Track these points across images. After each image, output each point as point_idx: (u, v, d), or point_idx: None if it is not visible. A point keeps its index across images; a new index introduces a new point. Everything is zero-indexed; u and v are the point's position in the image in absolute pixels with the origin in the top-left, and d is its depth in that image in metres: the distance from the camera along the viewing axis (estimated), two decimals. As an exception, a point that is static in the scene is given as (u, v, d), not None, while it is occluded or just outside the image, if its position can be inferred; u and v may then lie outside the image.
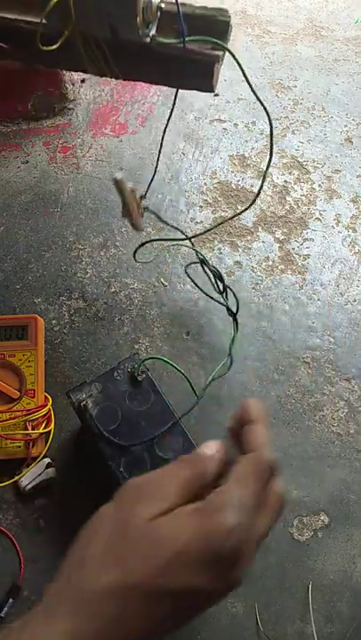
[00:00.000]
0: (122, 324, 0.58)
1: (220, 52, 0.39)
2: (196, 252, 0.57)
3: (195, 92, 0.44)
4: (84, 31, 0.37)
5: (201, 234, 0.58)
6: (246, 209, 0.50)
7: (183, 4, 0.38)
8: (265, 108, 0.42)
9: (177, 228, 0.58)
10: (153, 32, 0.37)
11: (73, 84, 0.71)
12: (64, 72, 0.69)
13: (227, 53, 0.39)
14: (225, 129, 0.71)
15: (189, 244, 0.59)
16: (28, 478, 0.49)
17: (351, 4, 0.86)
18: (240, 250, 0.63)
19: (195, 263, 0.57)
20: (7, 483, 0.49)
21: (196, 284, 0.57)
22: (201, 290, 0.57)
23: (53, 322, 0.58)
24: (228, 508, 0.28)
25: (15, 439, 0.50)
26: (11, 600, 0.46)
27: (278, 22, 0.83)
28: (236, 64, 0.39)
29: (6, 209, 0.65)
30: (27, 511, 0.50)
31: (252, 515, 0.29)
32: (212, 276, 0.56)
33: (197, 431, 0.52)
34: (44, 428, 0.51)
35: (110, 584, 0.27)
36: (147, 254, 0.61)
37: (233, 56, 0.38)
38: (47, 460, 0.50)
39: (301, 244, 0.64)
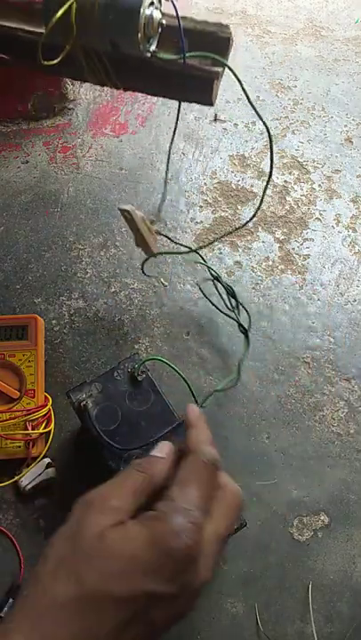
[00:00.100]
0: (122, 324, 0.58)
1: (220, 69, 0.39)
2: (209, 268, 0.58)
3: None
4: (85, 45, 0.37)
5: (208, 245, 0.58)
6: (251, 219, 0.50)
7: (184, 18, 0.38)
8: (264, 123, 0.43)
9: (187, 247, 0.59)
10: (153, 47, 0.38)
11: (73, 84, 0.71)
12: (64, 72, 0.69)
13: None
14: (225, 129, 0.71)
15: (202, 261, 0.59)
16: (28, 478, 0.49)
17: (351, 3, 0.86)
18: (240, 250, 0.63)
19: (208, 280, 0.58)
20: (7, 483, 0.49)
21: (210, 299, 0.58)
22: (214, 304, 0.58)
23: (53, 322, 0.58)
24: (172, 512, 0.29)
25: (15, 439, 0.50)
26: (11, 600, 0.46)
27: (278, 22, 0.83)
28: (236, 80, 0.39)
29: (6, 209, 0.65)
30: (27, 511, 0.50)
31: (201, 514, 0.30)
32: (224, 292, 0.57)
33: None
34: (44, 427, 0.51)
35: (64, 598, 0.27)
36: (152, 266, 0.61)
37: (233, 73, 0.39)
38: (47, 460, 0.50)
39: (301, 244, 0.64)
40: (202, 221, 0.65)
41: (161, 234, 0.56)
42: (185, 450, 0.34)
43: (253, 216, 0.50)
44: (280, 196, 0.67)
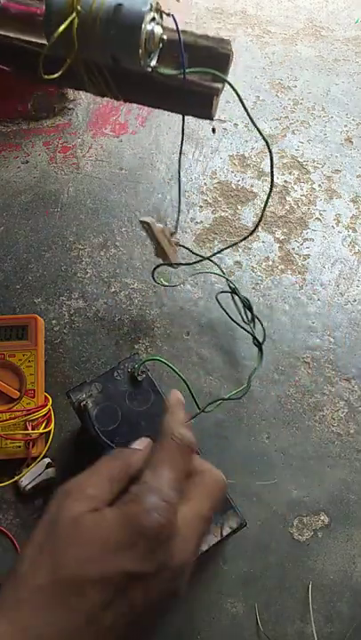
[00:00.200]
0: (122, 324, 0.58)
1: (220, 85, 0.39)
2: (228, 280, 0.58)
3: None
4: (86, 59, 0.37)
5: (218, 252, 0.59)
6: (254, 229, 0.50)
7: (184, 32, 0.38)
8: (264, 138, 0.43)
9: (203, 257, 0.59)
10: (154, 62, 0.38)
11: (73, 84, 0.71)
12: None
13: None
14: (225, 129, 0.71)
15: (220, 273, 0.60)
16: (27, 478, 0.49)
17: (351, 3, 0.86)
18: (240, 250, 0.63)
19: (225, 292, 0.58)
20: (7, 483, 0.49)
21: (226, 312, 0.58)
22: (231, 317, 0.58)
23: (53, 322, 0.58)
24: (144, 492, 0.30)
25: (15, 439, 0.50)
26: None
27: (278, 22, 0.83)
28: (235, 93, 0.40)
29: (6, 209, 0.65)
30: (27, 511, 0.50)
31: (174, 493, 0.30)
32: (241, 305, 0.57)
33: (195, 428, 0.52)
34: (44, 427, 0.51)
35: (42, 583, 0.28)
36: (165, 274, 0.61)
37: (233, 89, 0.39)
38: (47, 460, 0.50)
39: (301, 244, 0.64)
40: (202, 221, 0.65)
41: (181, 245, 0.57)
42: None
43: (259, 222, 0.50)
44: (280, 196, 0.67)
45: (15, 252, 0.62)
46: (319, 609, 0.47)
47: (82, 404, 0.46)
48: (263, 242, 0.64)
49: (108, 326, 0.58)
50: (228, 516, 0.42)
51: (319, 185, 0.68)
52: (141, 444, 0.36)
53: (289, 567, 0.48)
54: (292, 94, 0.76)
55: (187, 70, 0.38)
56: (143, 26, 0.35)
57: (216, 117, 0.42)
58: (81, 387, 0.48)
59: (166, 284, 0.61)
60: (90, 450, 0.46)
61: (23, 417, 0.50)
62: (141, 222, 0.47)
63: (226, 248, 0.56)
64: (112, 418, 0.46)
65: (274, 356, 0.57)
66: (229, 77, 0.39)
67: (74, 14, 0.35)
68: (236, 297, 0.58)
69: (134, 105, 0.73)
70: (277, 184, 0.68)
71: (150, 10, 0.35)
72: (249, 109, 0.40)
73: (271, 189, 0.46)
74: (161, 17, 0.37)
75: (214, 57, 0.39)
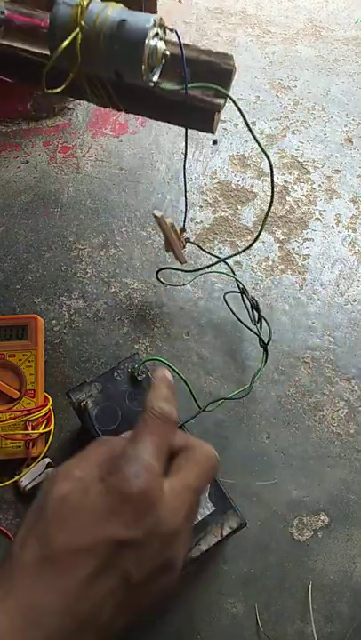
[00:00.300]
0: (122, 324, 0.58)
1: (222, 101, 0.40)
2: (237, 280, 0.58)
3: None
4: (89, 72, 0.37)
5: (234, 255, 0.59)
6: (258, 236, 0.50)
7: (187, 47, 0.38)
8: (267, 156, 0.43)
9: (214, 255, 0.60)
10: (156, 77, 0.38)
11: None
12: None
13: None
14: (225, 129, 0.71)
15: (229, 273, 0.60)
16: (27, 478, 0.49)
17: (351, 3, 0.86)
18: (240, 250, 0.63)
19: (234, 292, 0.58)
20: (7, 483, 0.49)
21: (233, 311, 0.58)
22: (238, 318, 0.58)
23: (53, 322, 0.58)
24: (124, 462, 0.31)
25: (15, 439, 0.50)
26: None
27: (278, 22, 0.83)
28: (236, 108, 0.40)
29: (6, 209, 0.65)
30: (27, 511, 0.50)
31: (155, 460, 0.31)
32: (249, 305, 0.57)
33: (195, 428, 0.52)
34: (44, 427, 0.51)
35: (32, 560, 0.29)
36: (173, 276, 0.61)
37: (236, 105, 0.40)
38: (47, 460, 0.50)
39: (301, 244, 0.64)
40: (202, 221, 0.65)
41: (191, 242, 0.57)
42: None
43: (261, 230, 0.50)
44: (280, 196, 0.67)
45: (15, 252, 0.62)
46: (319, 609, 0.47)
47: (82, 404, 0.46)
48: (263, 242, 0.64)
49: (108, 326, 0.58)
50: (228, 515, 0.42)
51: (319, 185, 0.68)
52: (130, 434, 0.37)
53: (289, 567, 0.48)
54: (292, 94, 0.76)
55: (189, 85, 0.38)
56: (146, 42, 0.35)
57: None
58: (81, 387, 0.48)
59: (166, 284, 0.61)
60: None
61: (23, 417, 0.50)
62: (153, 215, 0.48)
63: (240, 252, 0.56)
64: (112, 418, 0.46)
65: (274, 356, 0.57)
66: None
67: (78, 29, 0.35)
68: (244, 297, 0.58)
69: (134, 105, 0.73)
70: (277, 184, 0.68)
71: (154, 26, 0.35)
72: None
73: (271, 202, 0.46)
74: (164, 32, 0.37)
75: (217, 72, 0.39)
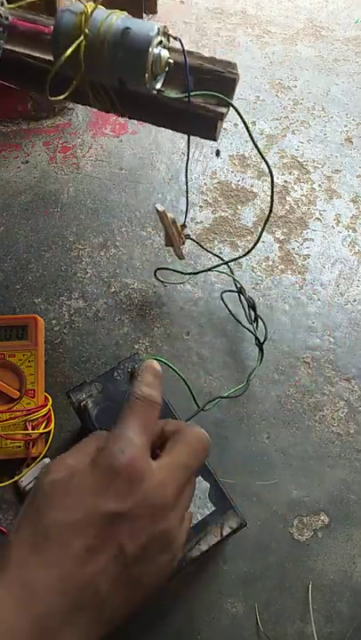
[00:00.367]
0: (122, 324, 0.58)
1: (225, 109, 0.40)
2: (235, 280, 0.58)
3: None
4: (92, 79, 0.37)
5: (236, 259, 0.59)
6: (259, 238, 0.51)
7: (191, 54, 0.39)
8: (268, 166, 0.43)
9: (217, 255, 0.60)
10: (159, 85, 0.38)
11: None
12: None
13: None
14: (225, 129, 0.71)
15: (228, 272, 0.60)
16: (27, 478, 0.49)
17: (351, 4, 0.86)
18: (240, 250, 0.63)
19: (232, 291, 0.59)
20: (7, 483, 0.49)
21: (230, 311, 0.59)
22: (234, 317, 0.58)
23: (53, 322, 0.58)
24: (109, 440, 0.32)
25: (15, 439, 0.50)
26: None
27: (278, 22, 0.83)
28: (239, 117, 0.40)
29: (6, 209, 0.65)
30: (27, 511, 0.50)
31: (139, 436, 0.33)
32: (246, 305, 0.57)
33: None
34: (44, 428, 0.51)
35: (25, 541, 0.29)
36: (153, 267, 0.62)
37: (239, 114, 0.40)
38: (47, 460, 0.50)
39: (301, 244, 0.64)
40: (202, 221, 0.65)
41: (190, 238, 0.57)
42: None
43: (262, 232, 0.50)
44: (280, 196, 0.67)
45: (15, 252, 0.62)
46: (319, 609, 0.47)
47: (82, 404, 0.46)
48: (263, 242, 0.64)
49: (108, 326, 0.58)
50: (228, 515, 0.42)
51: (319, 185, 0.68)
52: None
53: (289, 567, 0.48)
54: (292, 94, 0.76)
55: (192, 93, 0.38)
56: (150, 50, 0.35)
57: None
58: (81, 387, 0.48)
59: (166, 284, 0.61)
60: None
61: (23, 417, 0.50)
62: (155, 209, 0.48)
63: (242, 256, 0.56)
64: (112, 418, 0.46)
65: (274, 356, 0.57)
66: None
67: (82, 37, 0.35)
68: (241, 296, 0.58)
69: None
70: (277, 184, 0.68)
71: (158, 34, 0.35)
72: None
73: (271, 208, 0.46)
74: (168, 40, 0.37)
75: (220, 80, 0.39)
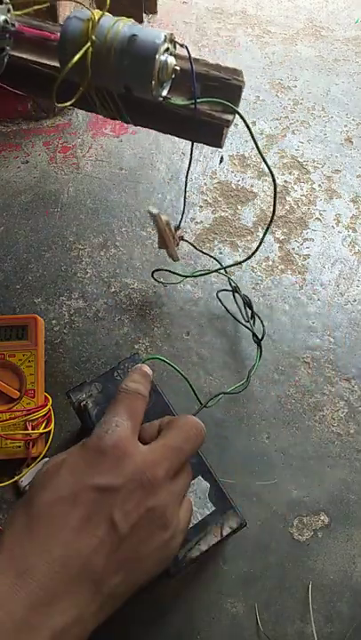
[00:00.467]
0: (122, 324, 0.58)
1: (231, 117, 0.40)
2: (230, 279, 0.58)
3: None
4: (98, 86, 0.38)
5: (234, 264, 0.59)
6: (263, 239, 0.51)
7: (196, 60, 0.39)
8: (271, 173, 0.43)
9: (213, 257, 0.60)
10: (165, 92, 0.38)
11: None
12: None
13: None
14: (225, 129, 0.71)
15: (222, 272, 0.60)
16: (28, 478, 0.49)
17: (351, 3, 0.86)
18: (240, 250, 0.63)
19: (227, 290, 0.59)
20: (7, 483, 0.49)
21: (226, 308, 0.59)
22: (232, 315, 0.59)
23: (53, 322, 0.58)
24: (96, 426, 0.35)
25: (15, 439, 0.50)
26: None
27: (278, 22, 0.83)
28: (245, 125, 0.41)
29: (6, 209, 0.65)
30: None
31: (123, 420, 0.34)
32: (242, 303, 0.58)
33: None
34: (44, 427, 0.51)
35: (19, 522, 0.30)
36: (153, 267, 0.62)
37: (244, 121, 0.40)
38: (47, 460, 0.50)
39: (301, 244, 0.64)
40: (202, 221, 0.65)
41: (186, 240, 0.57)
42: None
43: (264, 236, 0.50)
44: (280, 196, 0.67)
45: (15, 252, 0.62)
46: (319, 609, 0.47)
47: (82, 404, 0.46)
48: (263, 242, 0.64)
49: (108, 326, 0.58)
50: (228, 515, 0.42)
51: (319, 185, 0.68)
52: None
53: (289, 567, 0.48)
54: (292, 94, 0.76)
55: (198, 100, 0.38)
56: (157, 57, 0.35)
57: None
58: (81, 387, 0.47)
59: (166, 284, 0.61)
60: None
61: (23, 417, 0.50)
62: (148, 212, 0.48)
63: (243, 261, 0.56)
64: (112, 418, 0.46)
65: (274, 356, 0.57)
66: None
67: (89, 44, 0.35)
68: (236, 295, 0.58)
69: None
70: (278, 184, 0.68)
71: (164, 41, 0.35)
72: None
73: (274, 213, 0.46)
74: (174, 47, 0.37)
75: (226, 87, 0.40)
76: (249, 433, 0.53)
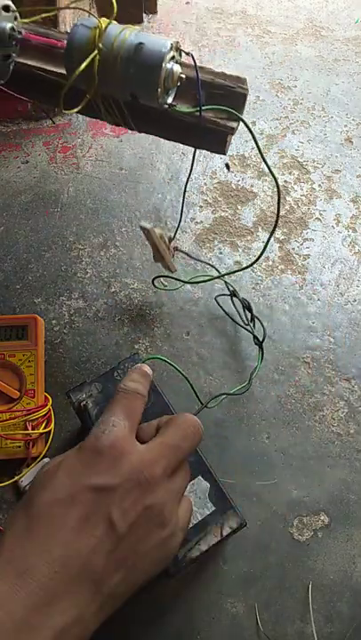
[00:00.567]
0: (122, 324, 0.58)
1: (235, 124, 0.40)
2: (226, 283, 0.58)
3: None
4: (104, 93, 0.38)
5: (234, 272, 0.59)
6: (267, 243, 0.50)
7: (202, 68, 0.39)
8: (275, 178, 0.44)
9: (210, 265, 0.60)
10: (170, 100, 0.38)
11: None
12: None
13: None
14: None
15: (220, 277, 0.60)
16: (27, 478, 0.49)
17: (351, 3, 0.86)
18: (240, 250, 0.63)
19: (224, 295, 0.59)
20: (7, 483, 0.49)
21: (226, 311, 0.59)
22: (232, 319, 0.58)
23: (53, 322, 0.58)
24: (94, 427, 0.34)
25: (15, 439, 0.50)
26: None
27: (278, 22, 0.83)
28: (249, 132, 0.41)
29: (6, 209, 0.65)
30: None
31: (120, 420, 0.34)
32: (241, 306, 0.58)
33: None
34: (44, 427, 0.51)
35: (18, 521, 0.30)
36: (168, 280, 0.62)
37: (249, 129, 0.40)
38: (47, 460, 0.50)
39: (301, 244, 0.64)
40: (202, 221, 0.65)
41: (180, 250, 0.57)
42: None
43: (270, 237, 0.50)
44: (280, 195, 0.67)
45: (15, 252, 0.62)
46: (319, 609, 0.47)
47: (82, 404, 0.46)
48: (263, 242, 0.64)
49: (108, 326, 0.58)
50: (228, 515, 0.42)
51: (319, 185, 0.68)
52: None
53: (289, 567, 0.48)
54: (292, 94, 0.76)
55: (203, 108, 0.39)
56: (163, 65, 0.35)
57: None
58: (81, 387, 0.47)
59: (166, 284, 0.61)
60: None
61: (23, 417, 0.50)
62: (141, 228, 0.48)
63: (244, 268, 0.56)
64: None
65: (274, 356, 0.57)
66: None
67: (96, 52, 0.35)
68: (235, 299, 0.58)
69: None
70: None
71: (170, 49, 0.35)
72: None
73: (278, 218, 0.46)
74: (180, 55, 0.38)
75: (231, 95, 0.40)
76: (249, 433, 0.53)
